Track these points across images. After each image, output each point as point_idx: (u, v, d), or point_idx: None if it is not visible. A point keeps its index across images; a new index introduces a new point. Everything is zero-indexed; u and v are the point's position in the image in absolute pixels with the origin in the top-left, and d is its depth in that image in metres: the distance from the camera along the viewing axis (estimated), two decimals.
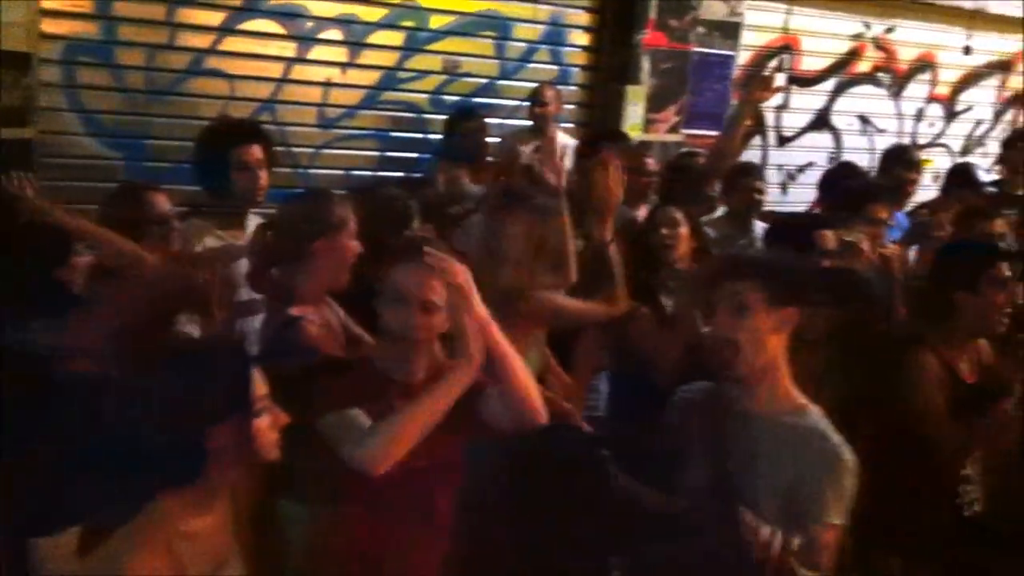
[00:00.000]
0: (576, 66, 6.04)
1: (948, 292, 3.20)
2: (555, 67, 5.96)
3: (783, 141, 6.98)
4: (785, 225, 4.21)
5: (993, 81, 7.85)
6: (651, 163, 5.12)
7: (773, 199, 6.47)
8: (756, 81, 4.30)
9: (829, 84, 7.07)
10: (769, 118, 6.89)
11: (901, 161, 5.36)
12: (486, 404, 2.30)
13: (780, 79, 4.34)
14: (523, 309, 2.99)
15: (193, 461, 1.68)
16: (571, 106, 6.01)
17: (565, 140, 5.41)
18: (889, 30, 7.11)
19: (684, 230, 3.78)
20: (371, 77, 5.39)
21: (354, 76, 5.33)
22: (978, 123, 7.81)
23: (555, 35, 5.91)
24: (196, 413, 1.67)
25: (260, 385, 1.76)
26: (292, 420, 1.82)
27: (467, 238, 3.65)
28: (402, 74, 5.47)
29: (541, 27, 5.85)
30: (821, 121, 7.13)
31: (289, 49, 5.12)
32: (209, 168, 3.49)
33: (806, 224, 4.21)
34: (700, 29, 6.16)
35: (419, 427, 2.18)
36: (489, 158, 5.21)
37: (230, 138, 3.49)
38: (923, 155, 6.73)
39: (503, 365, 2.22)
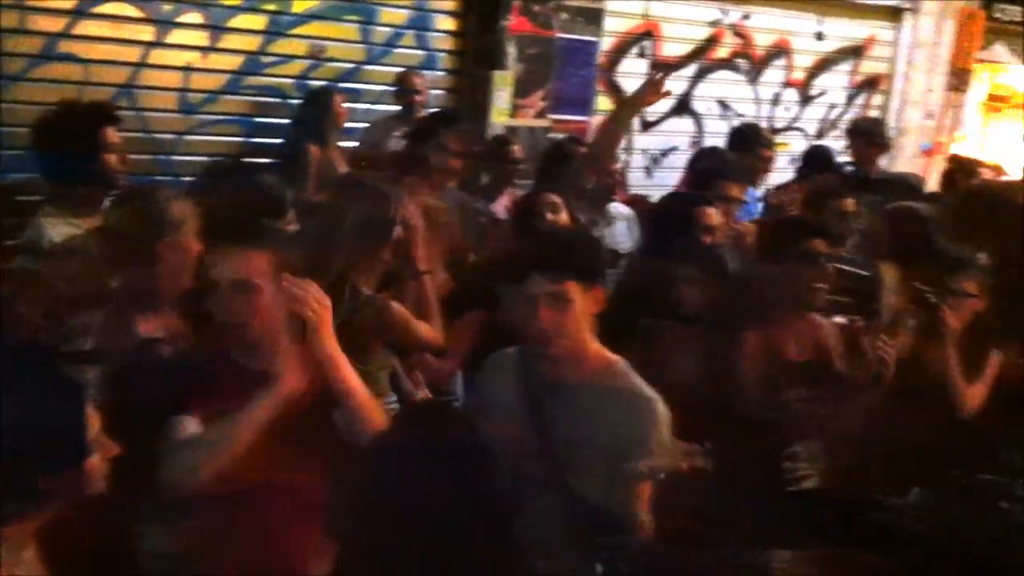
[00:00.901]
0: (442, 51, 6.23)
1: (768, 271, 3.41)
2: (421, 52, 6.13)
3: (646, 126, 7.31)
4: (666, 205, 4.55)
5: (846, 66, 8.38)
6: (516, 150, 5.36)
7: (638, 183, 6.83)
8: (646, 85, 4.54)
9: (690, 70, 7.44)
10: None
11: (752, 140, 5.74)
12: (341, 419, 2.34)
13: (666, 85, 4.61)
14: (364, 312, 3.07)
15: (19, 504, 1.61)
16: (438, 91, 6.20)
17: None
18: (745, 17, 7.52)
19: (564, 215, 4.01)
20: (233, 62, 5.47)
21: (216, 61, 5.41)
22: (832, 107, 8.33)
23: (421, 20, 6.09)
24: (26, 462, 1.58)
25: (94, 421, 1.69)
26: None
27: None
28: (265, 59, 5.57)
29: (406, 12, 6.02)
30: (683, 106, 7.48)
31: (147, 33, 5.16)
32: (63, 152, 3.42)
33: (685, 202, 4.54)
34: (564, 15, 6.41)
35: (226, 447, 2.21)
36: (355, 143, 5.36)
37: (88, 120, 3.48)
38: (780, 138, 7.22)
39: (345, 398, 2.30)
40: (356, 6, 5.82)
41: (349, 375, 2.32)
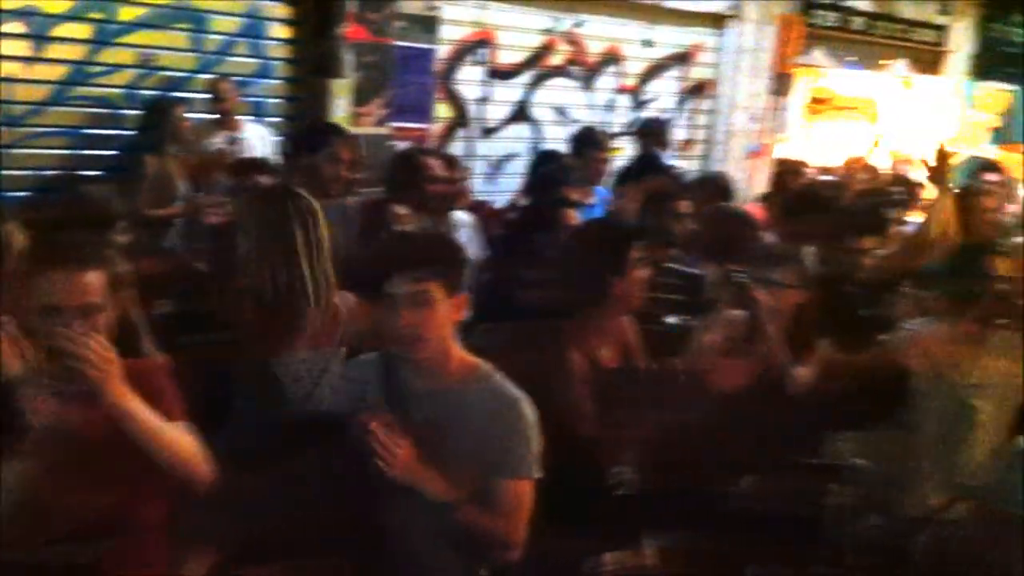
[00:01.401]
0: (277, 59, 6.28)
1: (594, 276, 3.31)
2: (255, 60, 6.17)
3: (486, 133, 7.54)
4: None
5: (675, 72, 8.81)
6: (358, 158, 5.47)
7: (480, 190, 7.03)
8: None
9: (526, 77, 7.69)
10: (472, 110, 7.41)
11: (589, 142, 6.03)
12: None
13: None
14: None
15: None
16: (275, 100, 6.26)
17: (255, 131, 5.69)
18: (578, 25, 7.82)
19: (411, 227, 4.13)
20: (58, 72, 5.39)
21: (40, 71, 5.32)
22: (663, 112, 8.72)
23: (254, 28, 6.12)
24: None
25: None
26: None
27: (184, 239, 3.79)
28: (92, 68, 5.50)
29: (239, 20, 6.05)
30: (521, 113, 7.74)
31: None
32: None
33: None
34: (399, 23, 6.54)
35: None
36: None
37: None
38: (614, 143, 7.54)
39: (149, 448, 2.17)
40: (185, 14, 5.81)
41: (147, 426, 2.16)
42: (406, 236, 3.39)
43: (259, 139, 5.78)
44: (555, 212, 4.74)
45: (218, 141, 5.43)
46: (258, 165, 4.76)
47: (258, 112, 6.15)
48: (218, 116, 5.63)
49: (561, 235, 4.63)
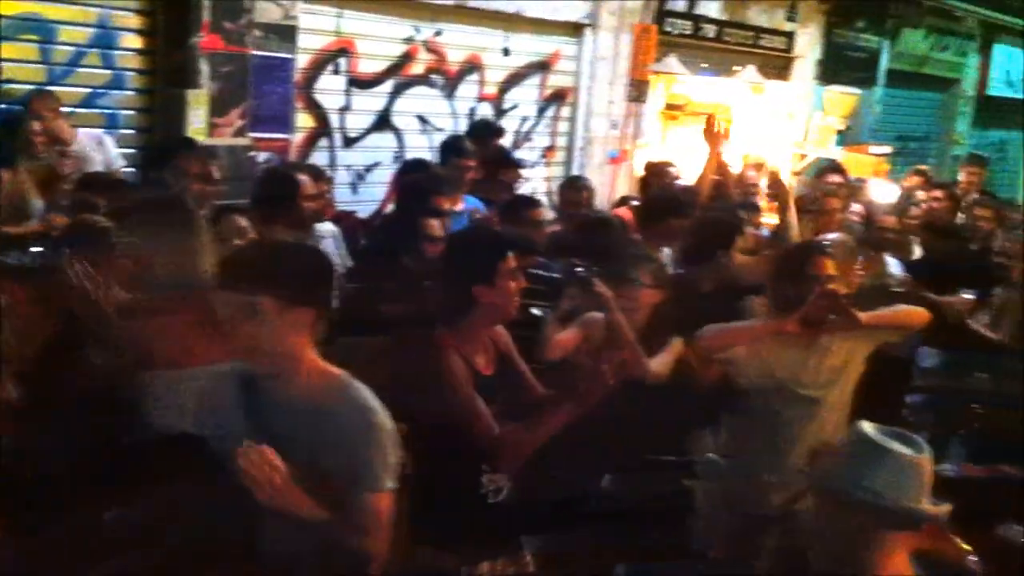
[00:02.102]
0: (131, 70, 6.21)
1: (466, 286, 3.37)
2: (107, 72, 6.09)
3: (349, 142, 7.61)
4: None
5: (534, 80, 9.04)
6: (213, 170, 5.48)
7: (344, 200, 7.09)
8: None
9: (387, 86, 7.78)
10: (334, 120, 7.46)
11: (455, 151, 6.17)
12: None
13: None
14: None
15: None
16: (128, 112, 6.19)
17: (90, 142, 5.62)
18: (437, 33, 7.97)
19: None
20: None
21: None
22: (524, 119, 8.96)
23: (105, 38, 6.04)
24: None
25: None
26: None
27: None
28: None
29: (89, 30, 5.96)
30: (383, 122, 7.83)
31: None
32: None
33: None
34: (257, 32, 6.53)
35: None
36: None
37: None
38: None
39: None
40: (33, 25, 5.70)
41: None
42: (240, 250, 3.30)
43: (93, 149, 5.67)
44: (420, 221, 4.86)
45: (49, 155, 5.29)
46: (103, 180, 4.75)
47: (111, 124, 6.07)
48: (44, 131, 5.42)
49: (426, 245, 4.78)
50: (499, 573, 3.64)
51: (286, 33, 6.76)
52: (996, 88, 15.62)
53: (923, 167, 10.37)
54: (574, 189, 6.52)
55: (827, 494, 2.17)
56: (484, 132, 7.21)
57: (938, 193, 7.82)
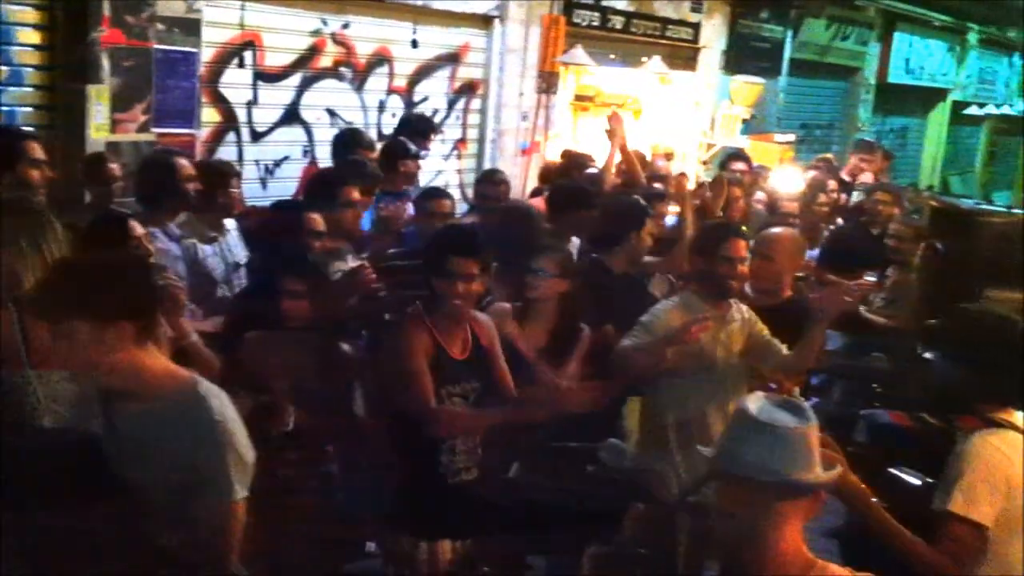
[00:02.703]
0: (28, 66, 6.07)
1: (427, 277, 3.83)
2: (4, 67, 5.95)
3: (257, 137, 7.55)
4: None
5: (444, 72, 9.06)
6: (113, 168, 5.43)
7: (254, 195, 7.03)
8: None
9: (295, 79, 7.74)
10: (241, 114, 7.39)
11: (354, 144, 6.16)
12: None
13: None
14: None
15: None
16: (27, 108, 6.07)
17: None
18: (345, 26, 7.93)
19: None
20: None
21: None
22: (435, 112, 8.97)
23: (2, 34, 5.91)
24: None
25: None
26: None
27: None
28: None
29: None
30: (292, 115, 7.78)
31: None
32: None
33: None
34: (159, 26, 6.43)
35: None
36: None
37: None
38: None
39: None
40: None
41: None
42: (49, 273, 3.08)
43: None
44: (302, 216, 4.84)
45: None
46: None
47: (10, 121, 5.94)
48: None
49: (310, 240, 4.78)
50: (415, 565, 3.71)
51: (190, 27, 6.67)
52: (896, 76, 16.08)
53: (826, 155, 10.67)
54: (491, 183, 6.57)
55: (722, 473, 2.20)
56: (420, 127, 7.27)
57: (833, 183, 8.07)
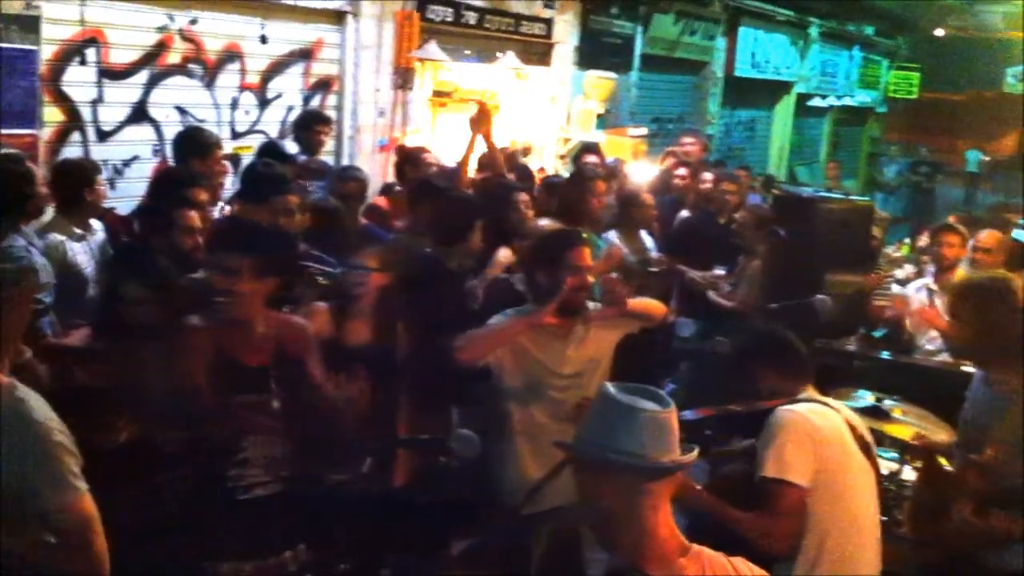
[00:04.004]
0: None
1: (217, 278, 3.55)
2: None
3: (103, 136, 7.35)
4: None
5: (298, 68, 8.98)
6: None
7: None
8: None
9: (142, 76, 7.56)
10: (86, 113, 7.18)
11: (200, 143, 6.08)
12: None
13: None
14: None
15: None
16: None
17: None
18: (193, 22, 7.78)
19: None
20: None
21: None
22: (290, 108, 8.88)
23: None
24: None
25: None
26: None
27: None
28: None
29: None
30: (140, 114, 7.59)
31: None
32: None
33: None
34: None
35: None
36: None
37: None
38: (242, 142, 7.66)
39: None
40: None
41: None
42: None
43: None
44: (177, 212, 4.79)
45: None
46: None
47: None
48: None
49: (182, 237, 4.74)
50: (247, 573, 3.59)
51: (28, 24, 6.46)
52: (742, 69, 16.65)
53: (676, 148, 10.97)
54: (344, 179, 6.58)
55: (586, 462, 2.22)
56: (312, 121, 7.24)
57: (684, 170, 8.34)
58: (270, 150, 6.71)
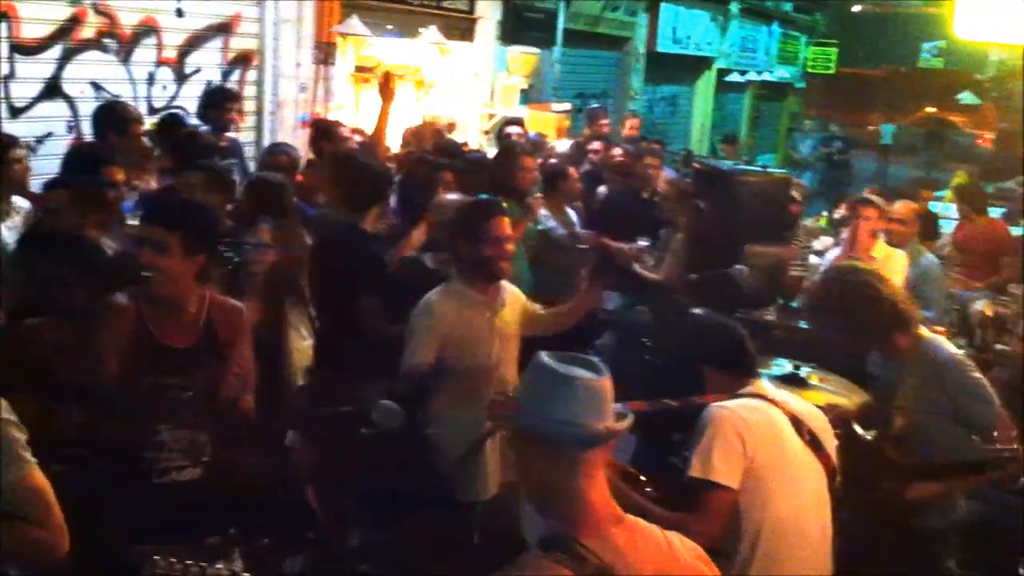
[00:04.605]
0: None
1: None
2: None
3: (15, 112, 7.16)
4: None
5: (216, 43, 8.84)
6: None
7: None
8: None
9: (55, 51, 7.38)
10: None
11: (118, 120, 5.96)
12: None
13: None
14: None
15: None
16: None
17: None
18: None
19: None
20: None
21: None
22: (209, 84, 8.70)
23: None
24: None
25: None
26: None
27: None
28: None
29: None
30: (53, 90, 7.42)
31: None
32: None
33: None
34: None
35: None
36: None
37: None
38: (158, 118, 7.52)
39: None
40: None
41: None
42: None
43: None
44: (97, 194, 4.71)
45: None
46: None
47: None
48: None
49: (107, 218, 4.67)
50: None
51: None
52: (664, 45, 16.78)
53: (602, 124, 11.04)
54: (276, 154, 6.53)
55: (521, 432, 2.21)
56: (222, 99, 7.17)
57: (596, 145, 8.42)
58: (172, 122, 6.55)
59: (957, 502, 3.99)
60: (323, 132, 7.30)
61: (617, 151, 8.51)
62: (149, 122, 6.93)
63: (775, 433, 3.22)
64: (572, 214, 6.93)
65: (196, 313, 3.51)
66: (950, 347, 4.05)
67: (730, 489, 3.09)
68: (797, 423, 3.29)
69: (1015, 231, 8.73)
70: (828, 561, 3.28)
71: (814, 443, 3.30)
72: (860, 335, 3.96)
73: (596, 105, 11.45)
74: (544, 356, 2.23)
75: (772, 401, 3.33)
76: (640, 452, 4.69)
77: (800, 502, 3.21)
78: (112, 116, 6.09)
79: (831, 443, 3.35)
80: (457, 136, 10.27)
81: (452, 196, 5.70)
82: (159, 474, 3.44)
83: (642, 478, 3.27)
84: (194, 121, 7.26)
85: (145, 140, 6.27)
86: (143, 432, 3.39)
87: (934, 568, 3.93)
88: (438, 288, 4.29)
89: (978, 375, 3.88)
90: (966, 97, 26.41)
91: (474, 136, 11.32)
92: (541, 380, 2.20)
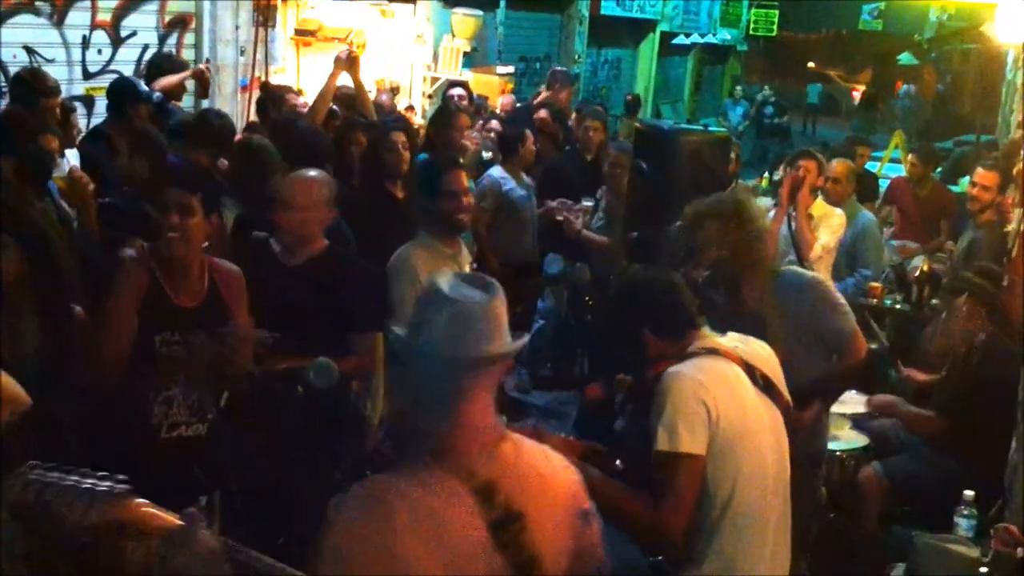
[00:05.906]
0: None
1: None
2: None
3: None
4: None
5: (152, 6, 8.68)
6: None
7: None
8: None
9: None
10: None
11: (37, 88, 5.78)
12: None
13: None
14: None
15: None
16: None
17: None
18: None
19: None
20: None
21: None
22: (146, 47, 8.59)
23: None
24: None
25: None
26: None
27: None
28: None
29: None
30: None
31: None
32: None
33: None
34: None
35: None
36: None
37: None
38: (95, 83, 7.40)
39: None
40: None
41: None
42: None
43: None
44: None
45: None
46: None
47: None
48: None
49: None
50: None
51: None
52: (608, 8, 16.78)
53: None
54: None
55: (413, 350, 2.18)
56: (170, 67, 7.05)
57: (543, 113, 8.38)
58: (122, 87, 6.40)
59: (826, 426, 4.11)
60: (271, 97, 7.17)
61: (543, 112, 8.42)
62: (84, 87, 6.81)
63: (733, 390, 3.06)
64: (526, 178, 6.95)
65: (200, 275, 3.65)
66: (808, 272, 4.17)
67: (699, 457, 2.93)
68: (750, 370, 3.14)
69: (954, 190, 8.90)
70: (787, 505, 3.15)
71: (767, 386, 3.17)
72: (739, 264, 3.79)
73: (560, 68, 11.29)
74: (438, 276, 2.21)
75: (724, 352, 3.14)
76: (581, 416, 4.72)
77: (762, 457, 3.07)
78: (24, 87, 5.88)
79: (780, 378, 3.21)
80: (400, 100, 10.22)
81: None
82: (168, 428, 3.58)
83: (604, 450, 3.17)
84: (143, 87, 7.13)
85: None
86: (155, 389, 3.54)
87: (811, 497, 3.98)
88: (409, 243, 4.39)
89: (836, 291, 3.93)
90: (905, 58, 26.74)
91: (417, 99, 11.26)
92: (432, 301, 2.16)
